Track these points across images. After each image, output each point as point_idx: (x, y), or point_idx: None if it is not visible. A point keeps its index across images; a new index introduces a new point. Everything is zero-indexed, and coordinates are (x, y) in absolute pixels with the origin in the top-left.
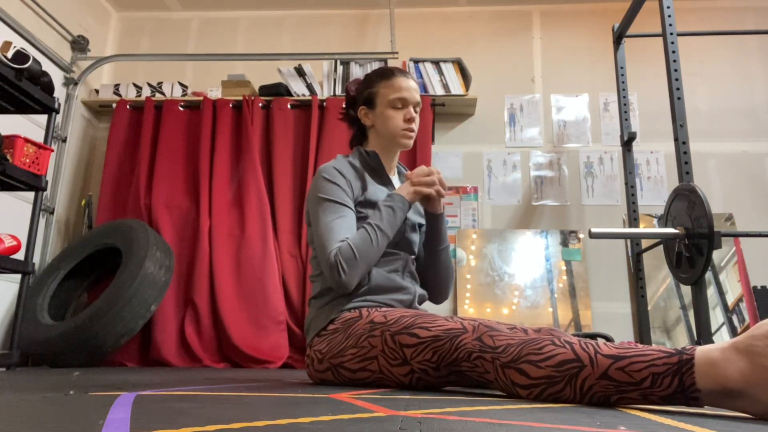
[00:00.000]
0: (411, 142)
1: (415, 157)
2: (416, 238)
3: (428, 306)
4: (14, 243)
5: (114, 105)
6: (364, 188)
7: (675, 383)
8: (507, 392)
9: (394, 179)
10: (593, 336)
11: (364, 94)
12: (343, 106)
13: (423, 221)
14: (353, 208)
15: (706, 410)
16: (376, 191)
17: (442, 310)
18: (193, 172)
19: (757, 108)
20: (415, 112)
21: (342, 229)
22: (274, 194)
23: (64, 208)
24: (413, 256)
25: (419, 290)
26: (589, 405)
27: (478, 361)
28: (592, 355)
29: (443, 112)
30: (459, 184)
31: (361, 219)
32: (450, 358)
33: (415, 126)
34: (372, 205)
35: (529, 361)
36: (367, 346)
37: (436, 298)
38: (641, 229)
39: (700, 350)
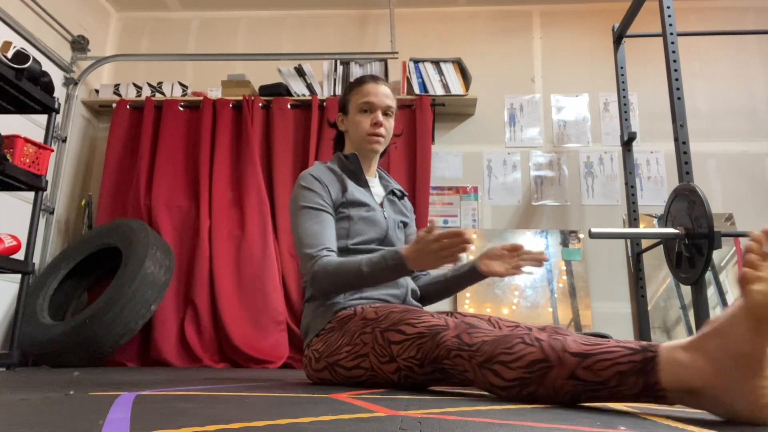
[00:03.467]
0: (379, 147)
1: (415, 157)
2: (401, 235)
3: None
4: (14, 243)
5: (114, 105)
6: (344, 189)
7: (640, 382)
8: (488, 391)
9: (375, 182)
10: (593, 336)
11: (341, 102)
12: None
13: (406, 220)
14: (331, 212)
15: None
16: (356, 191)
17: (441, 309)
18: (193, 172)
19: (757, 108)
20: (387, 116)
21: (321, 234)
22: (274, 194)
23: (64, 208)
24: None
25: (411, 284)
26: (563, 404)
27: (457, 359)
28: (560, 352)
29: (443, 112)
30: (459, 184)
31: (343, 219)
32: (432, 355)
33: (384, 131)
34: (353, 204)
35: (501, 362)
36: (360, 343)
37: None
38: (641, 229)
39: (665, 348)
